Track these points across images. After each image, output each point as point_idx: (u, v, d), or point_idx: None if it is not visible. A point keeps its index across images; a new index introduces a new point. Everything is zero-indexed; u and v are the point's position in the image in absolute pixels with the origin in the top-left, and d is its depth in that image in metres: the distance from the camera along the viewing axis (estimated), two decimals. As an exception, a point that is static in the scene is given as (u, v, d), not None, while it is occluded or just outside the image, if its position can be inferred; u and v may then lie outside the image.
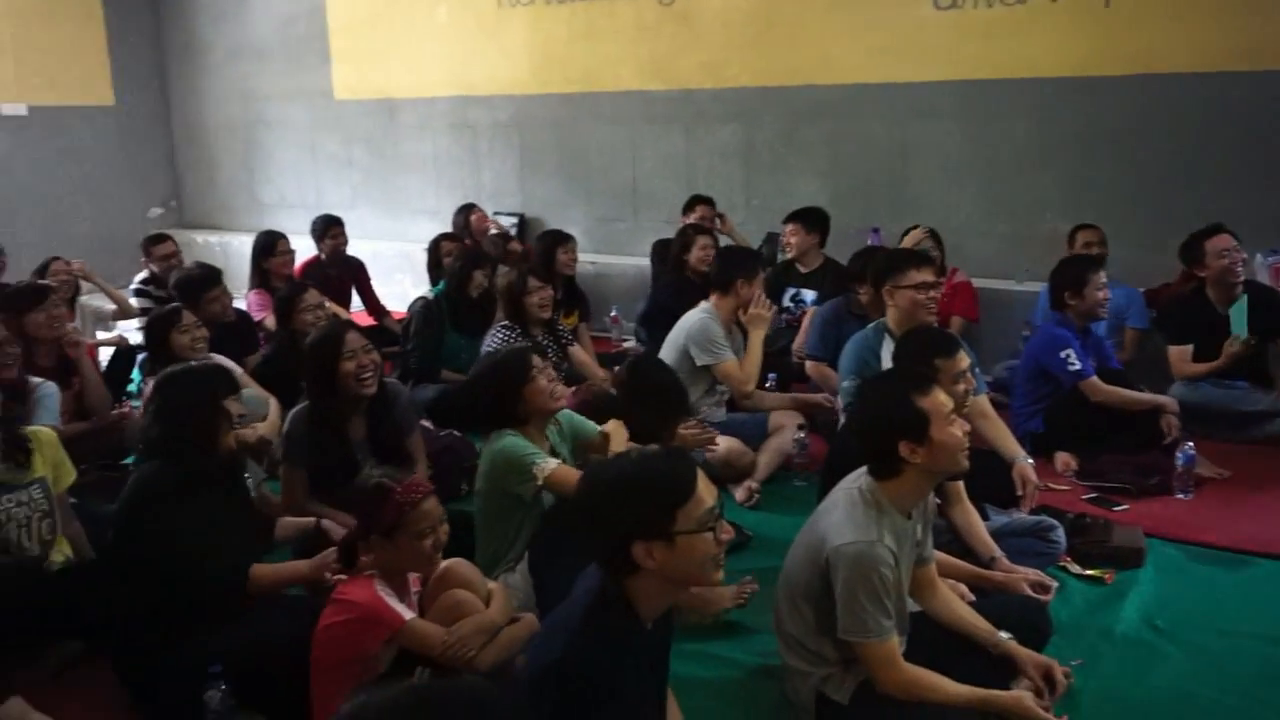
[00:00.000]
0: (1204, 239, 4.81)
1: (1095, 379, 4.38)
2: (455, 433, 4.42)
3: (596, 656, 1.87)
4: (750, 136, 6.87)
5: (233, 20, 9.13)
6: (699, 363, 4.30)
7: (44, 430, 3.28)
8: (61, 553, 3.21)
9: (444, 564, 2.73)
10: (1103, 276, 4.49)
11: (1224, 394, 4.73)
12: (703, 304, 4.45)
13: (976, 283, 5.80)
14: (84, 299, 5.80)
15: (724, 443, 4.12)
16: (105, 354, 5.43)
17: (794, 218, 5.77)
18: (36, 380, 3.98)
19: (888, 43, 6.25)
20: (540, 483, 3.04)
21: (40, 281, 4.71)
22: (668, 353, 4.35)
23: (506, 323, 4.72)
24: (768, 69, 6.71)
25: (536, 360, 3.23)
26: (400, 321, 6.03)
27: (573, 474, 3.03)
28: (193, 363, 3.25)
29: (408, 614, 2.53)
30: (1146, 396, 4.46)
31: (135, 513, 2.85)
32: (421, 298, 5.80)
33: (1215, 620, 3.21)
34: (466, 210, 7.11)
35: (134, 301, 6.00)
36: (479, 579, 2.78)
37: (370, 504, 2.57)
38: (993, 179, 6.12)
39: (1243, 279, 4.79)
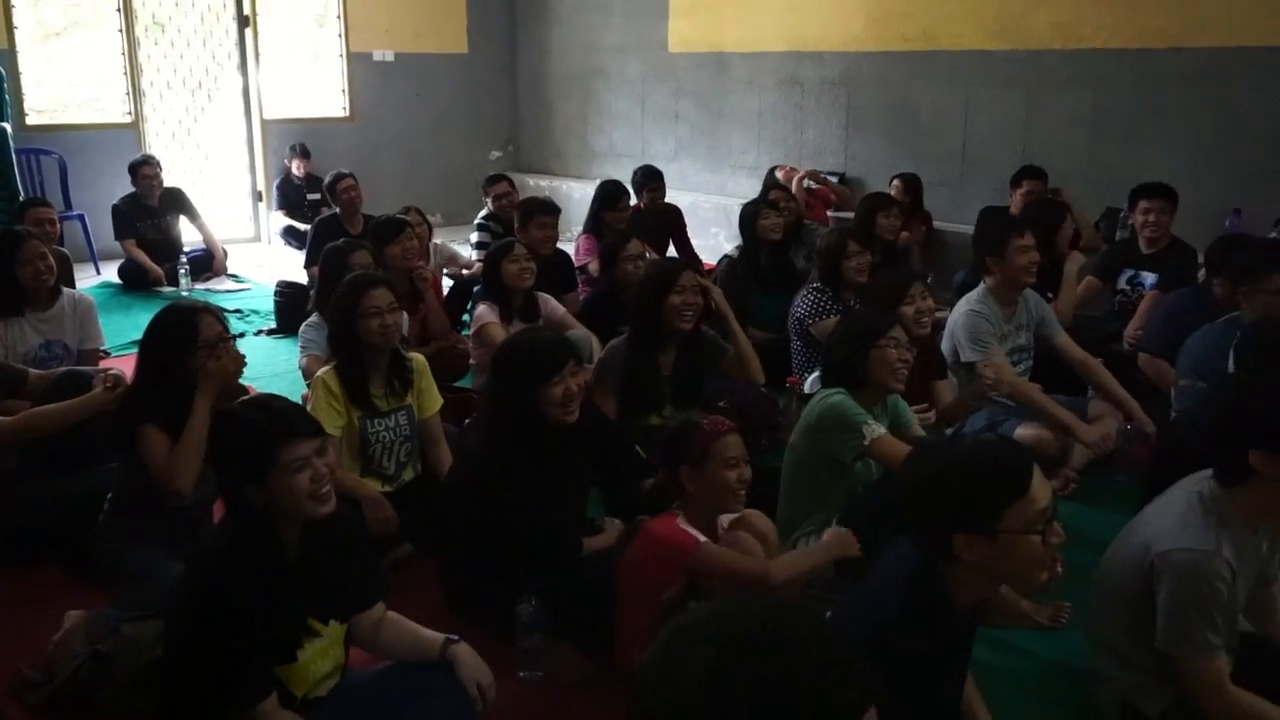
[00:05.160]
0: None
1: None
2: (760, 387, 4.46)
3: (911, 634, 1.83)
4: (1100, 103, 6.38)
5: (580, -26, 9.55)
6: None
7: (418, 357, 3.62)
8: (414, 470, 3.54)
9: (742, 512, 2.78)
10: None
11: None
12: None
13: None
14: (436, 241, 6.32)
15: (1031, 429, 3.92)
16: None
17: (1154, 194, 5.14)
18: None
19: None
20: (867, 443, 3.00)
21: (398, 216, 5.17)
22: None
23: (818, 285, 4.68)
24: (1129, 29, 6.18)
25: (897, 333, 3.16)
26: (710, 273, 6.13)
27: (899, 446, 2.97)
28: (531, 337, 3.27)
29: (702, 538, 2.59)
30: None
31: (473, 478, 3.02)
32: (727, 256, 5.88)
33: None
34: (773, 170, 7.21)
35: (474, 235, 6.48)
36: (773, 535, 2.81)
37: (680, 437, 2.68)
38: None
39: None
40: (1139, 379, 4.44)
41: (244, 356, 3.13)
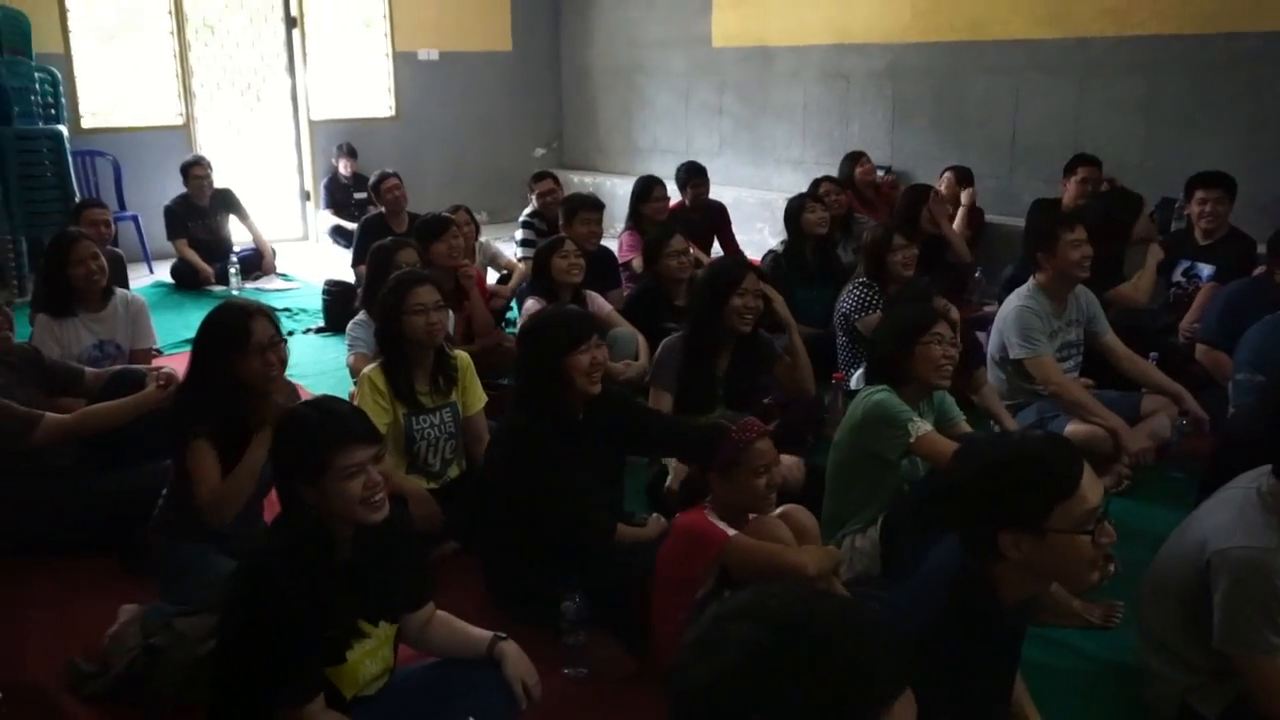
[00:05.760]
0: None
1: None
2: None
3: (954, 633, 1.80)
4: (1153, 90, 6.25)
5: (623, -31, 9.55)
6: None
7: (462, 354, 3.63)
8: (458, 467, 3.57)
9: (784, 508, 2.76)
10: None
11: None
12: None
13: None
14: (481, 240, 6.35)
15: (1083, 426, 3.85)
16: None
17: (1211, 183, 5.04)
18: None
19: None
20: (912, 440, 2.97)
21: (444, 214, 5.20)
22: None
23: (865, 279, 4.63)
24: (1179, 14, 6.05)
25: (942, 328, 3.11)
26: (756, 269, 6.10)
27: (945, 443, 2.93)
28: (554, 312, 3.38)
29: (731, 532, 2.57)
30: None
31: (506, 459, 3.03)
32: (772, 251, 5.85)
33: None
34: (854, 159, 7.08)
35: (519, 233, 6.51)
36: (814, 530, 2.79)
37: (709, 443, 2.66)
38: None
39: None
40: (1194, 372, 4.36)
41: (287, 356, 3.13)
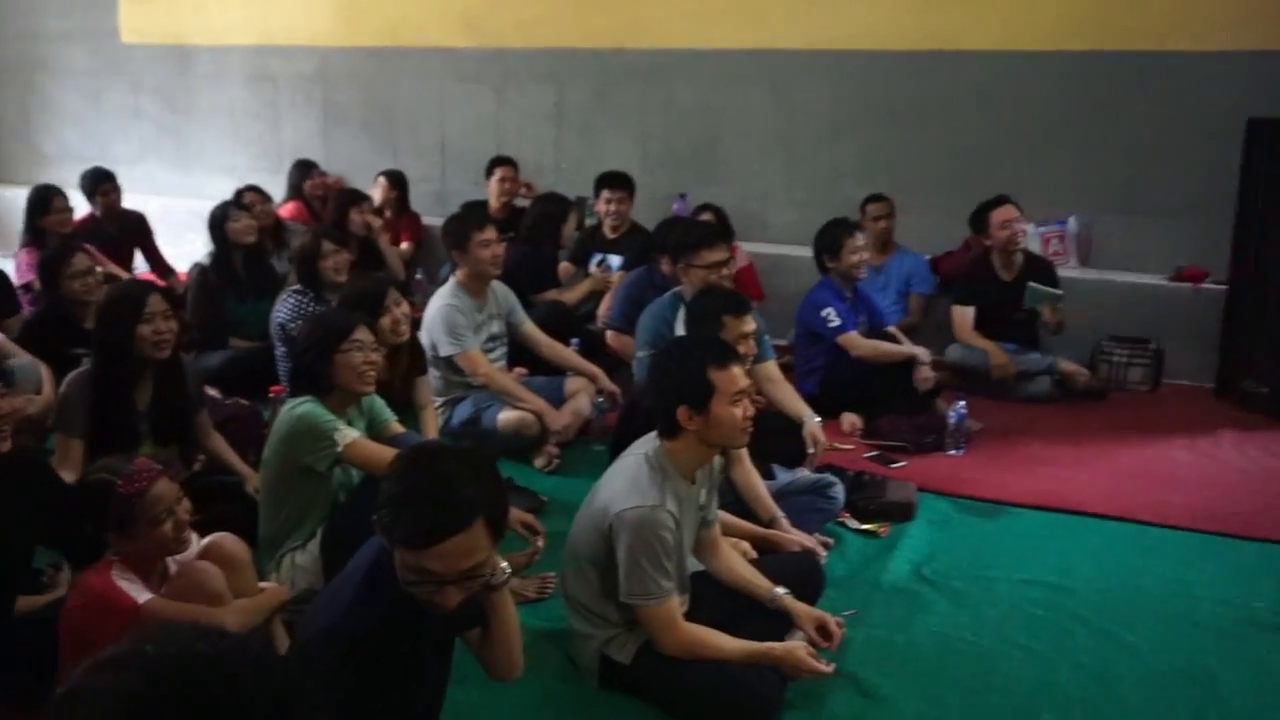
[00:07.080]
0: (990, 209, 5.12)
1: (853, 334, 4.60)
2: (242, 401, 4.24)
3: (371, 620, 1.88)
4: (561, 98, 6.83)
5: (5, -50, 8.41)
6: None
7: None
8: None
9: (207, 540, 2.60)
10: (859, 240, 4.72)
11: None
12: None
13: (778, 249, 6.03)
14: None
15: (514, 414, 4.10)
16: None
17: (614, 183, 5.68)
18: None
19: (699, 8, 6.32)
20: (339, 449, 2.92)
21: None
22: None
23: (299, 287, 4.52)
24: (580, 30, 6.67)
25: (361, 334, 3.06)
26: (183, 282, 5.74)
27: (375, 448, 2.93)
28: None
29: (143, 596, 2.35)
30: (900, 348, 4.70)
31: None
32: (198, 263, 5.51)
33: (976, 568, 3.44)
34: (304, 170, 6.88)
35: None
36: (244, 558, 2.66)
37: (95, 503, 2.37)
38: (795, 147, 6.29)
39: (1022, 248, 5.13)
40: (611, 354, 4.85)
41: None
